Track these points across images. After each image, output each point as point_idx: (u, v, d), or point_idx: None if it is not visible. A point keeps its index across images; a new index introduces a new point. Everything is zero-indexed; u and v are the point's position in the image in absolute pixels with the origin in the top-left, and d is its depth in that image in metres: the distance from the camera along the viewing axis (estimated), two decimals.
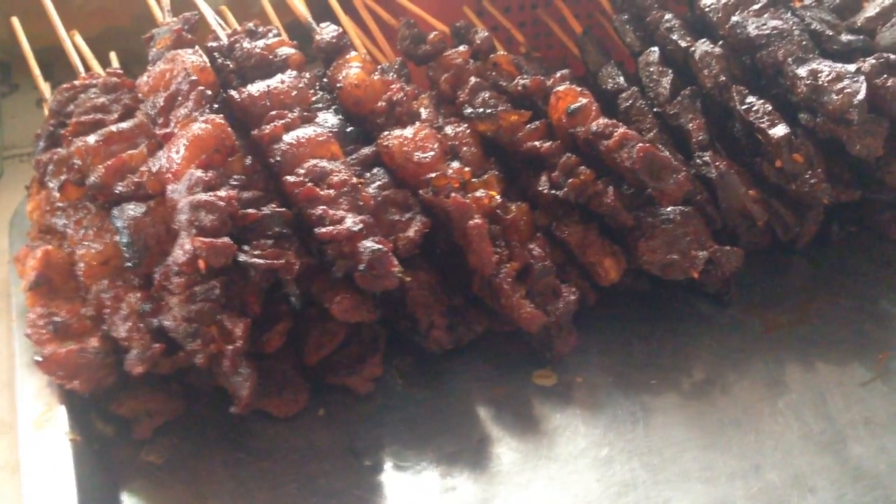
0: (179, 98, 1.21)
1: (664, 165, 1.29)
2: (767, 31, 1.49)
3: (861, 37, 1.52)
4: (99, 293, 1.16)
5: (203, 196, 1.07)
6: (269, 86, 1.29)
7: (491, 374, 1.28)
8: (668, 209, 1.33)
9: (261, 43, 1.38)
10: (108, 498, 1.08)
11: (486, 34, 1.58)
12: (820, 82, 1.39)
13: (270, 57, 1.36)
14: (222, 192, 1.08)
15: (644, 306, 1.40)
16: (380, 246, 1.10)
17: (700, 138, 1.45)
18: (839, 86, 1.37)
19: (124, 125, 1.26)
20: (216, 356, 1.07)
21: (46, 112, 1.42)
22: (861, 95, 1.35)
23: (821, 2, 1.63)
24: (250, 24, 1.46)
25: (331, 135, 1.24)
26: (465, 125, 1.44)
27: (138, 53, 1.47)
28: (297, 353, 1.21)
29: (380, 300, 1.20)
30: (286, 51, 1.37)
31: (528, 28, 1.97)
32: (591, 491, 1.10)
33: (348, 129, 1.37)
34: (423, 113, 1.43)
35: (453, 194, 1.23)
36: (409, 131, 1.30)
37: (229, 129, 1.16)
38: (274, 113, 1.25)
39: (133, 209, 1.16)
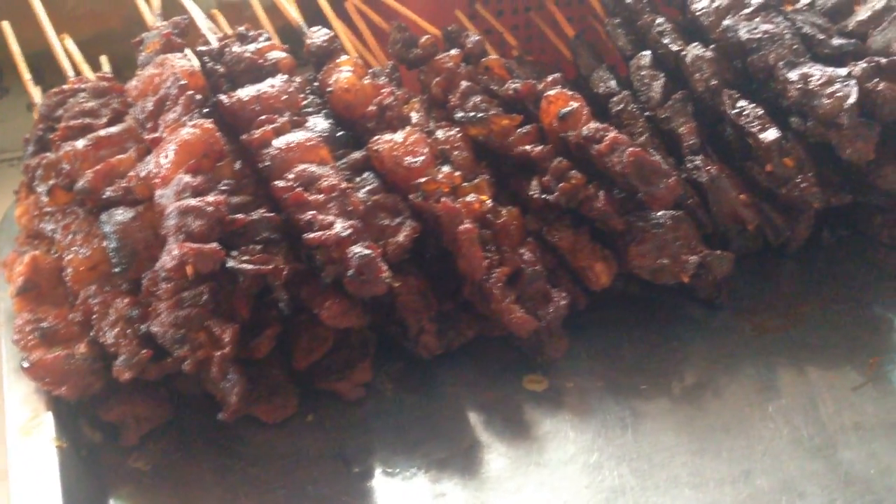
0: (168, 102, 1.21)
1: (655, 170, 1.29)
2: (759, 35, 1.49)
3: (852, 40, 1.52)
4: (87, 299, 1.15)
5: (191, 201, 1.06)
6: (258, 90, 1.28)
7: (481, 379, 1.28)
8: (659, 213, 1.33)
9: (251, 47, 1.38)
10: None
11: (478, 38, 1.58)
12: (811, 86, 1.39)
13: (260, 61, 1.35)
14: (210, 198, 1.08)
15: (635, 311, 1.40)
16: (369, 251, 1.09)
17: (691, 142, 1.45)
18: (830, 90, 1.37)
19: (113, 130, 1.25)
20: (204, 362, 1.07)
21: (36, 116, 1.42)
22: (852, 99, 1.35)
23: (812, 5, 1.63)
24: (241, 28, 1.45)
25: (320, 139, 1.24)
26: (457, 129, 1.43)
27: (130, 57, 1.46)
28: (286, 358, 1.21)
29: (369, 305, 1.19)
30: (276, 55, 1.37)
31: (520, 31, 1.97)
32: (580, 497, 1.09)
33: (339, 134, 1.37)
34: (414, 117, 1.42)
35: (443, 199, 1.23)
36: (399, 136, 1.30)
37: (218, 133, 1.15)
38: (263, 117, 1.24)
39: (121, 214, 1.15)
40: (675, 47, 1.57)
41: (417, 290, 1.23)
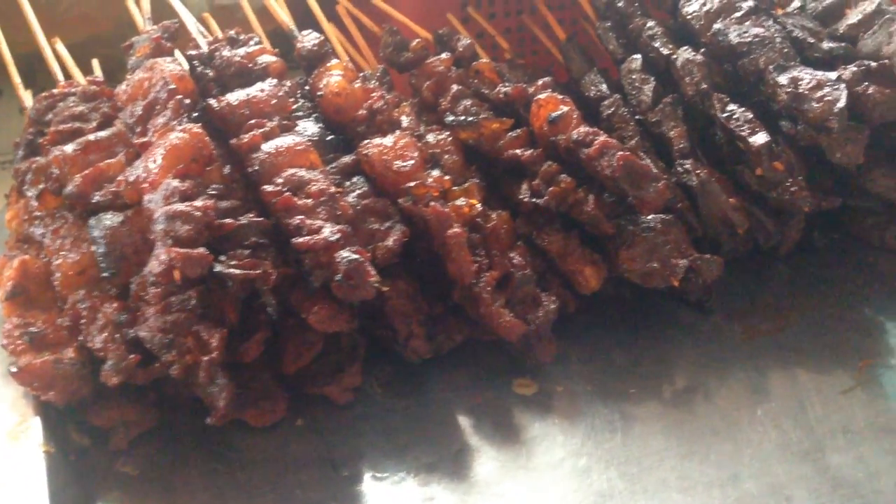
0: (157, 107, 1.21)
1: (644, 174, 1.29)
2: (749, 39, 1.49)
3: (843, 44, 1.52)
4: (75, 303, 1.15)
5: (179, 206, 1.06)
6: (248, 94, 1.28)
7: (471, 383, 1.28)
8: (649, 217, 1.33)
9: (241, 51, 1.38)
10: None
11: (469, 41, 1.58)
12: (800, 90, 1.39)
13: (250, 65, 1.35)
14: (199, 202, 1.08)
15: (625, 314, 1.40)
16: (357, 256, 1.09)
17: (681, 146, 1.45)
18: (819, 94, 1.38)
19: (102, 134, 1.25)
20: (192, 367, 1.07)
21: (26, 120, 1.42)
22: (841, 103, 1.36)
23: (803, 9, 1.63)
24: (231, 32, 1.46)
25: (310, 144, 1.24)
26: (447, 133, 1.44)
27: (123, 60, 1.46)
28: (275, 362, 1.21)
29: (359, 309, 1.19)
30: (266, 59, 1.37)
31: (513, 34, 1.97)
32: (568, 501, 1.09)
33: (329, 138, 1.37)
34: (405, 121, 1.42)
35: (432, 203, 1.23)
36: (388, 140, 1.30)
37: (207, 138, 1.15)
38: (253, 122, 1.24)
39: (110, 219, 1.15)
40: (665, 51, 1.57)
41: (407, 294, 1.23)
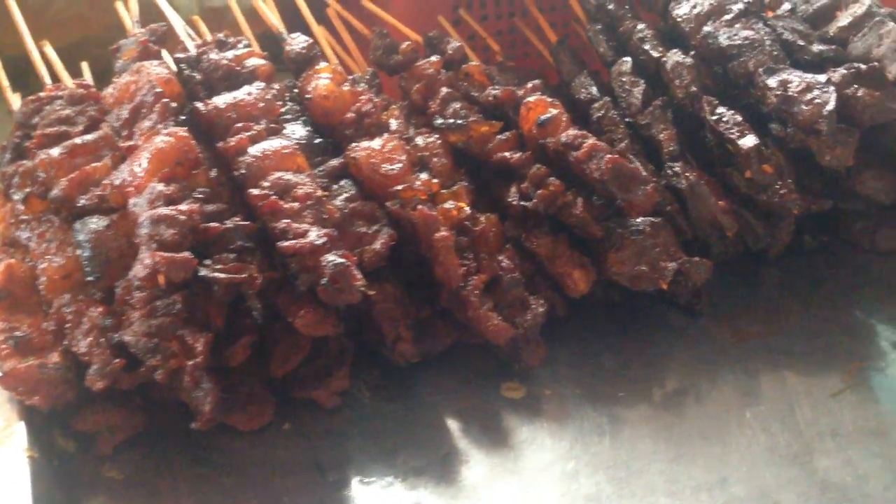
0: (144, 110, 1.20)
1: (633, 177, 1.29)
2: (739, 42, 1.49)
3: (833, 47, 1.52)
4: (60, 307, 1.15)
5: (164, 210, 1.06)
6: (235, 97, 1.28)
7: (459, 386, 1.27)
8: (638, 220, 1.33)
9: (229, 54, 1.37)
10: None
11: (458, 44, 1.58)
12: (790, 93, 1.39)
13: (238, 68, 1.35)
14: (184, 206, 1.07)
15: (615, 317, 1.39)
16: (343, 260, 1.09)
17: (671, 149, 1.45)
18: (809, 96, 1.38)
19: (89, 137, 1.25)
20: (177, 371, 1.06)
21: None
22: (830, 106, 1.36)
23: (794, 11, 1.63)
24: (220, 35, 1.45)
25: (297, 147, 1.23)
26: (436, 136, 1.43)
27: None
28: (263, 366, 1.20)
29: (346, 313, 1.19)
30: (254, 62, 1.37)
31: (504, 37, 1.97)
32: None
33: (316, 141, 1.36)
34: (393, 124, 1.42)
35: (420, 206, 1.22)
36: (376, 143, 1.29)
37: (193, 141, 1.15)
38: (240, 125, 1.24)
39: (95, 223, 1.15)
40: (655, 53, 1.57)
41: (394, 297, 1.23)
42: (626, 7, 1.69)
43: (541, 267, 1.33)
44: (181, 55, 1.40)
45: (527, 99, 1.41)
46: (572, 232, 1.34)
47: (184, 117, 1.26)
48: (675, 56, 1.53)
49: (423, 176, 1.30)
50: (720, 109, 1.43)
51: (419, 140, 1.42)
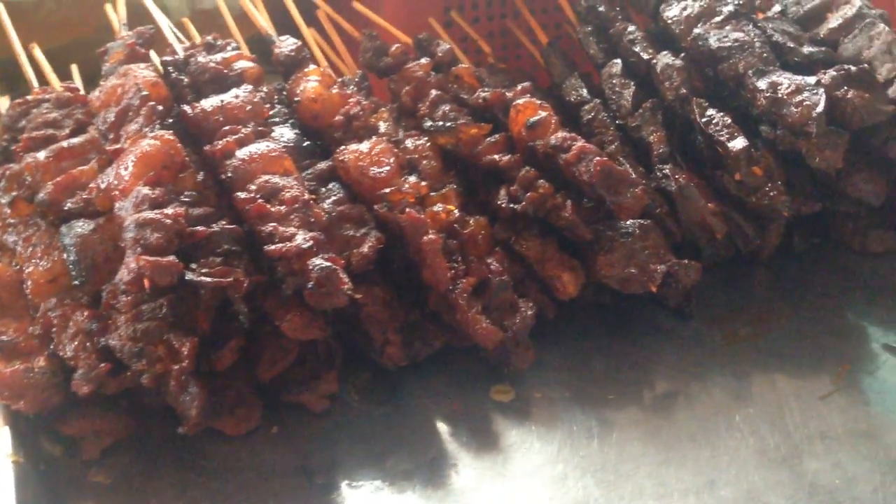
0: (130, 113, 1.20)
1: (622, 179, 1.29)
2: (729, 44, 1.49)
3: (823, 48, 1.52)
4: (46, 311, 1.14)
5: (149, 214, 1.05)
6: (222, 100, 1.27)
7: (448, 389, 1.27)
8: (628, 223, 1.32)
9: (217, 57, 1.37)
10: None
11: (448, 47, 1.57)
12: (779, 95, 1.39)
13: (225, 71, 1.34)
14: (169, 210, 1.07)
15: (605, 320, 1.39)
16: (329, 263, 1.09)
17: (660, 151, 1.44)
18: (798, 98, 1.37)
19: (75, 141, 1.25)
20: (163, 376, 1.06)
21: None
22: (820, 108, 1.35)
23: (784, 13, 1.63)
24: (209, 38, 1.45)
25: (284, 150, 1.23)
26: (426, 138, 1.43)
27: None
28: (251, 369, 1.20)
29: (335, 316, 1.19)
30: (243, 64, 1.36)
31: (496, 39, 1.97)
32: None
33: (305, 144, 1.36)
34: (382, 127, 1.42)
35: (408, 209, 1.22)
36: (365, 146, 1.29)
37: (179, 145, 1.14)
38: (227, 128, 1.23)
39: (81, 226, 1.15)
40: (645, 56, 1.57)
41: (382, 300, 1.23)
42: (617, 9, 1.69)
43: (530, 270, 1.32)
44: (168, 58, 1.39)
45: (516, 101, 1.40)
46: (562, 235, 1.34)
47: (171, 120, 1.26)
48: (665, 58, 1.53)
49: (412, 179, 1.30)
50: (710, 111, 1.43)
51: (408, 143, 1.42)
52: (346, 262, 1.18)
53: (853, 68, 1.43)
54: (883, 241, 1.50)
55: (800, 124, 1.36)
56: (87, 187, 1.18)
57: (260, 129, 1.26)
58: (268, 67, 1.52)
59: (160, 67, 1.37)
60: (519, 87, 1.46)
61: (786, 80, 1.40)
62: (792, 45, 1.52)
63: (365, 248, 1.20)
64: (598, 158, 1.29)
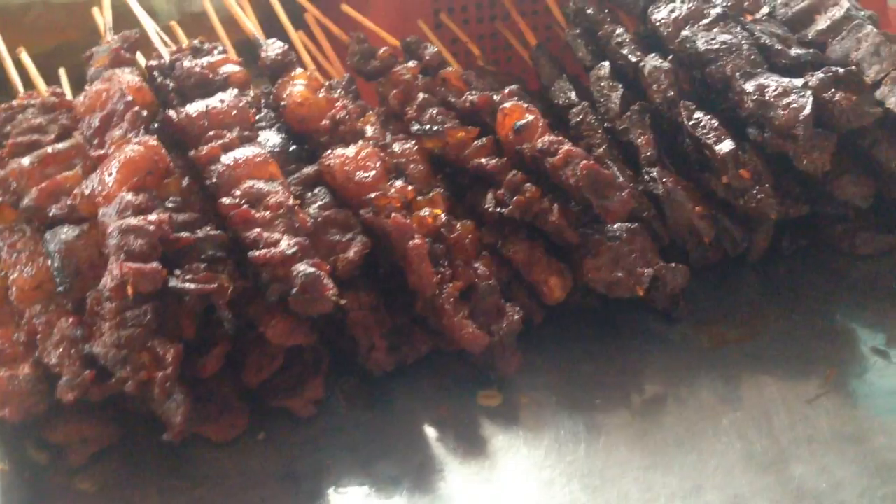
0: (115, 118, 1.20)
1: (608, 183, 1.29)
2: (716, 46, 1.48)
3: (811, 50, 1.52)
4: (31, 318, 1.14)
5: (132, 220, 1.05)
6: (208, 105, 1.27)
7: (436, 394, 1.27)
8: (615, 226, 1.32)
9: (203, 61, 1.37)
10: None
11: (436, 50, 1.57)
12: (766, 97, 1.39)
13: (211, 75, 1.34)
14: (153, 216, 1.06)
15: (593, 324, 1.39)
16: (313, 269, 1.08)
17: (648, 154, 1.44)
18: (785, 101, 1.37)
19: (60, 146, 1.24)
20: (147, 383, 1.05)
21: None
22: (807, 111, 1.35)
23: (773, 15, 1.62)
24: (195, 42, 1.44)
25: (269, 155, 1.23)
26: (413, 142, 1.43)
27: None
28: (237, 375, 1.20)
29: (322, 321, 1.18)
30: (229, 69, 1.36)
31: (486, 41, 1.97)
32: None
33: (292, 148, 1.36)
34: (369, 130, 1.41)
35: (394, 214, 1.22)
36: (351, 150, 1.29)
37: (163, 150, 1.14)
38: (212, 133, 1.23)
39: (66, 233, 1.14)
40: (633, 58, 1.56)
41: (368, 305, 1.22)
42: (606, 11, 1.69)
43: (517, 274, 1.32)
44: (154, 62, 1.39)
45: (503, 105, 1.40)
46: (549, 239, 1.34)
47: (156, 125, 1.25)
48: (652, 61, 1.52)
49: (399, 183, 1.29)
50: (697, 114, 1.43)
51: (396, 146, 1.42)
52: (332, 268, 1.17)
53: (841, 70, 1.42)
54: (871, 244, 1.50)
55: (787, 127, 1.35)
56: (72, 193, 1.17)
57: (246, 133, 1.26)
58: (256, 71, 1.52)
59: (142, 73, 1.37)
60: (506, 90, 1.46)
61: (773, 83, 1.40)
62: (780, 48, 1.51)
63: (351, 254, 1.20)
64: (584, 162, 1.28)
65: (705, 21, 1.54)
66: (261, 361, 1.19)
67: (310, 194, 1.28)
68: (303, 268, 1.08)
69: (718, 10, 1.55)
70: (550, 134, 1.36)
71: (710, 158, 1.40)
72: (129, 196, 1.07)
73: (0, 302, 1.19)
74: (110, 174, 1.11)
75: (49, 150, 1.24)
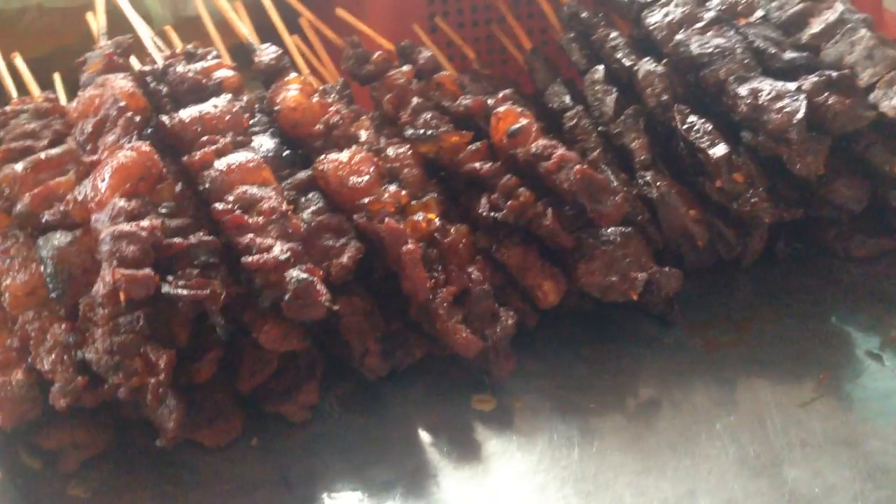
0: (108, 124, 1.20)
1: (602, 187, 1.29)
2: (710, 50, 1.49)
3: (804, 54, 1.52)
4: (24, 324, 1.14)
5: (125, 226, 1.05)
6: (201, 111, 1.27)
7: (430, 399, 1.27)
8: (609, 230, 1.32)
9: (197, 66, 1.37)
10: None
11: (430, 54, 1.57)
12: (760, 101, 1.39)
13: (204, 80, 1.34)
14: (145, 222, 1.06)
15: (588, 328, 1.39)
16: (306, 275, 1.08)
17: (642, 158, 1.44)
18: (779, 105, 1.37)
19: (53, 152, 1.24)
20: (140, 389, 1.05)
21: None
22: (800, 115, 1.35)
23: (766, 19, 1.62)
24: (189, 46, 1.44)
25: (262, 160, 1.23)
26: (407, 146, 1.43)
27: None
28: (231, 380, 1.20)
29: (315, 326, 1.18)
30: (222, 73, 1.36)
31: (481, 44, 1.97)
32: None
33: (285, 153, 1.36)
34: (363, 135, 1.41)
35: (387, 219, 1.22)
36: (344, 155, 1.29)
37: (156, 156, 1.14)
38: (205, 138, 1.23)
39: (58, 238, 1.14)
40: (627, 62, 1.57)
41: (362, 311, 1.22)
42: (600, 15, 1.69)
43: (511, 278, 1.32)
44: (147, 68, 1.39)
45: (497, 109, 1.40)
46: (543, 243, 1.34)
47: (149, 131, 1.25)
48: (646, 64, 1.53)
49: (392, 188, 1.30)
50: (691, 118, 1.43)
51: (390, 151, 1.42)
52: (326, 273, 1.17)
53: (834, 74, 1.42)
54: (865, 247, 1.50)
55: (780, 131, 1.36)
56: (65, 199, 1.17)
57: (239, 138, 1.26)
58: (251, 76, 1.52)
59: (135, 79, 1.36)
60: (500, 95, 1.46)
61: (767, 87, 1.40)
62: (773, 51, 1.52)
63: (344, 259, 1.20)
64: (578, 166, 1.28)
65: (699, 25, 1.54)
66: (254, 367, 1.19)
67: (303, 199, 1.28)
68: (296, 273, 1.08)
69: (712, 13, 1.55)
70: (544, 138, 1.36)
71: (704, 162, 1.40)
72: (122, 202, 1.07)
73: None
74: (103, 180, 1.11)
75: (42, 155, 1.24)
